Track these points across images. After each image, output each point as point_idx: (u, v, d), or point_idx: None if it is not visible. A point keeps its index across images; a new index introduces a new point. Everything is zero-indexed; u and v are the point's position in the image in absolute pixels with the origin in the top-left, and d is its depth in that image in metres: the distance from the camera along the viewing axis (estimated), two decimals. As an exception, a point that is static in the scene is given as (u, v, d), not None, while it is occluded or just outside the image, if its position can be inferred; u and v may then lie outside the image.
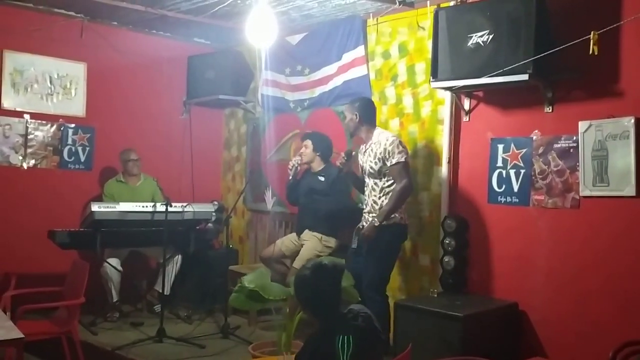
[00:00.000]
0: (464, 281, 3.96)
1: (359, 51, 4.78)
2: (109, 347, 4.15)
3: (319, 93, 5.14)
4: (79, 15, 5.32)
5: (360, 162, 3.97)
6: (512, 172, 3.80)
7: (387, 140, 3.77)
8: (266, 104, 5.64)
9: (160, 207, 4.45)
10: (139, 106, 5.74)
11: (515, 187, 3.78)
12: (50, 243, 4.51)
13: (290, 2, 4.55)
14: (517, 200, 3.77)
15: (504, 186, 3.84)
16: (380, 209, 3.74)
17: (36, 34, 5.10)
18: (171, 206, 4.39)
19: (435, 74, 3.81)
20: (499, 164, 3.87)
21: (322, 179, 4.41)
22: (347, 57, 4.86)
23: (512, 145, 3.81)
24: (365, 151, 3.91)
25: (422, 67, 4.36)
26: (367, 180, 3.90)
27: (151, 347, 4.19)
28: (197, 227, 5.01)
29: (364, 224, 3.84)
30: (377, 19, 4.70)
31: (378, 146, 3.78)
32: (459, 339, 3.25)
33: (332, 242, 4.26)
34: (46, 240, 4.51)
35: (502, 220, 3.85)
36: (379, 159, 3.76)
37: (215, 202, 5.59)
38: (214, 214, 5.22)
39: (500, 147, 3.87)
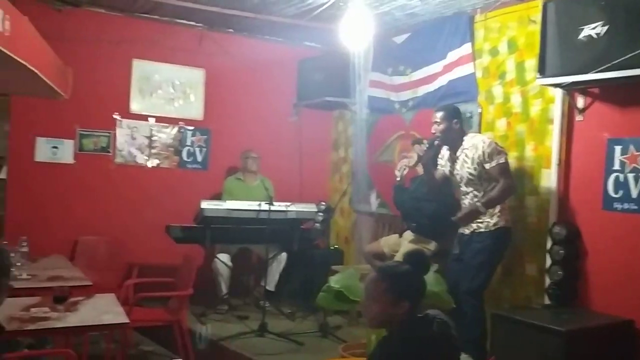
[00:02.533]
0: (573, 294, 3.66)
1: (465, 49, 4.61)
2: (214, 338, 4.37)
3: (424, 93, 5.04)
4: (198, 24, 5.70)
5: (455, 171, 3.79)
6: (630, 176, 3.44)
7: (483, 143, 3.61)
8: (371, 105, 5.65)
9: (264, 206, 4.61)
10: (252, 109, 6.00)
11: (634, 193, 3.42)
12: (167, 237, 4.86)
13: (392, 1, 4.50)
14: (636, 207, 3.40)
15: (621, 191, 3.49)
16: (484, 215, 3.59)
17: (160, 43, 5.55)
18: (273, 205, 4.53)
19: (542, 69, 3.57)
20: (616, 167, 3.52)
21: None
22: (453, 56, 4.71)
23: (632, 146, 3.45)
24: (457, 158, 3.75)
25: (532, 64, 4.08)
26: (464, 188, 3.75)
27: (252, 340, 4.35)
28: (302, 227, 5.13)
29: (466, 231, 3.70)
30: (485, 14, 4.50)
31: (474, 150, 3.62)
32: (561, 356, 3.00)
33: (431, 245, 4.14)
34: (164, 234, 4.86)
35: (618, 228, 3.50)
36: (477, 163, 3.60)
37: (323, 203, 5.69)
38: (320, 214, 5.32)
39: (618, 148, 3.52)
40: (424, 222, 4.14)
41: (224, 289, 5.18)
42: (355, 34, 3.98)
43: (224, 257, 5.16)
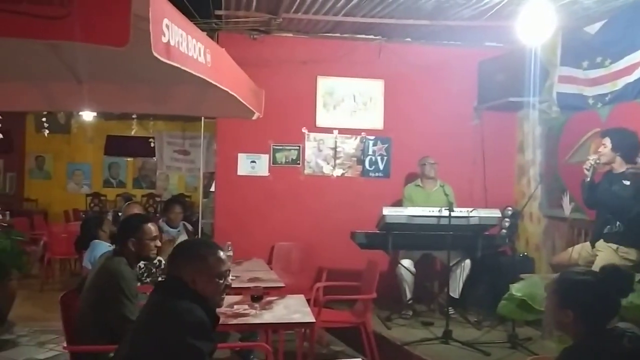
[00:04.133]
0: None
1: (671, 32, 4.09)
2: (399, 342, 4.45)
3: (623, 85, 4.56)
4: (377, 37, 5.89)
5: None
6: None
7: None
8: (561, 103, 5.28)
9: (445, 212, 4.57)
10: (431, 115, 5.99)
11: None
12: (352, 243, 5.08)
13: (578, -10, 4.19)
14: None
15: None
16: None
17: (342, 59, 5.85)
18: (454, 211, 4.48)
19: None
20: None
21: (627, 182, 3.89)
22: (656, 41, 4.21)
23: None
24: None
25: None
26: None
27: (436, 347, 4.33)
28: (487, 233, 4.97)
29: None
30: (695, -10, 3.95)
31: None
32: None
33: (632, 254, 3.72)
34: (349, 240, 5.08)
35: None
36: None
37: (509, 208, 5.44)
38: (507, 220, 5.10)
39: None
40: (619, 228, 3.74)
41: (409, 294, 5.23)
42: (537, 29, 3.77)
43: (407, 263, 5.22)
